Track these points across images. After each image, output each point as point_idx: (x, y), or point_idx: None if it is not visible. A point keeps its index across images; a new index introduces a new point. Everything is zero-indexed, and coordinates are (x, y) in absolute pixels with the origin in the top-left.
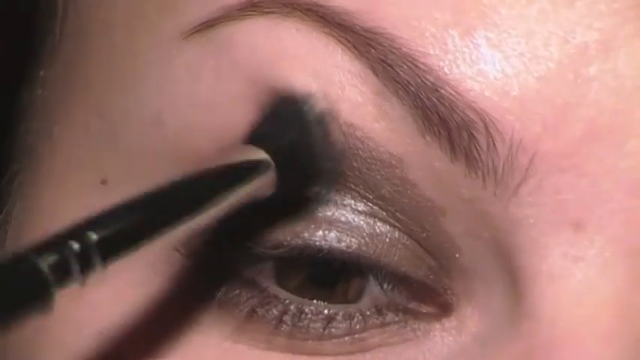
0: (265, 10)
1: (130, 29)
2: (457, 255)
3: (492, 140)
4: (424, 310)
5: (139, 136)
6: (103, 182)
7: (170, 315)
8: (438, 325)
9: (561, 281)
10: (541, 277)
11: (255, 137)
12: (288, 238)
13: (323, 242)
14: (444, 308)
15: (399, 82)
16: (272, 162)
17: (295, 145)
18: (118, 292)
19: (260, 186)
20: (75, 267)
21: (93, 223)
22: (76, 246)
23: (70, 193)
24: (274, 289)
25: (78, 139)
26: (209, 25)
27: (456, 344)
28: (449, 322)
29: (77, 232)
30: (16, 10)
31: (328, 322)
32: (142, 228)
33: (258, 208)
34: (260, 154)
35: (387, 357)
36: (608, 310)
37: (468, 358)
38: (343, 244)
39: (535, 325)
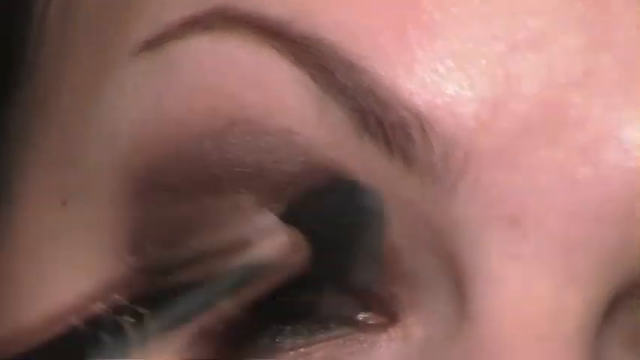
0: (208, 26)
1: (89, 50)
2: (399, 258)
3: (428, 138)
4: (371, 322)
5: (95, 153)
6: (63, 203)
7: None
8: (384, 336)
9: (499, 282)
10: (480, 277)
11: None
12: None
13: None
14: (390, 317)
15: (336, 86)
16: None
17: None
18: None
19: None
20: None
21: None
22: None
23: (33, 216)
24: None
25: (44, 162)
26: (156, 43)
27: (402, 353)
28: (394, 332)
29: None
30: None
31: (275, 337)
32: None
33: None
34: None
35: None
36: (543, 310)
37: None
38: None
39: (475, 327)
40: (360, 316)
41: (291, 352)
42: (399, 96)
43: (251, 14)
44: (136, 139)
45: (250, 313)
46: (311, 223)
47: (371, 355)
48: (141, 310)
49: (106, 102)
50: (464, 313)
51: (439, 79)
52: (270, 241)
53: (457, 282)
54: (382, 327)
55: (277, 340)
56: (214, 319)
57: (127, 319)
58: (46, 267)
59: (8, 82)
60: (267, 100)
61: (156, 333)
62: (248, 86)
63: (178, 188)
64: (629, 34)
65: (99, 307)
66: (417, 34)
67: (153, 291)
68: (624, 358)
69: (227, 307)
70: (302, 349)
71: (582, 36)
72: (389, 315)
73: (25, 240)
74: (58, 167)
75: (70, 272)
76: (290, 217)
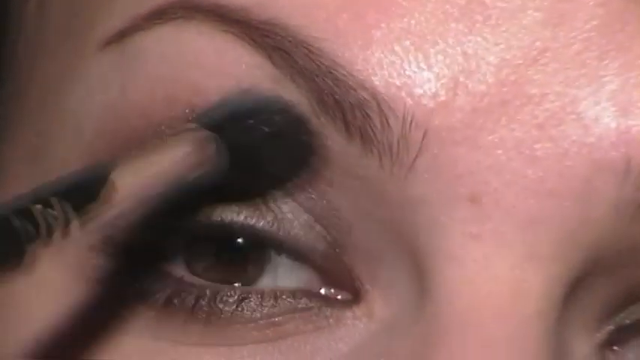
0: (171, 16)
1: (59, 46)
2: (350, 231)
3: (386, 118)
4: (337, 297)
5: (62, 147)
6: None
7: (94, 317)
8: (349, 313)
9: (459, 260)
10: (440, 257)
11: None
12: (190, 213)
13: (223, 216)
14: (354, 294)
15: (294, 68)
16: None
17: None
18: (43, 296)
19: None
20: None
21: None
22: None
23: None
24: (189, 277)
25: (18, 157)
26: (121, 35)
27: (366, 331)
28: (359, 309)
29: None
30: None
31: (241, 302)
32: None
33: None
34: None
35: (300, 346)
36: (503, 288)
37: (377, 346)
38: (241, 216)
39: (435, 307)
40: (324, 290)
41: (261, 321)
42: (357, 77)
43: (209, 3)
44: (101, 129)
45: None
46: (223, 125)
47: (337, 332)
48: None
49: (73, 96)
50: (424, 293)
51: (397, 59)
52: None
53: (417, 261)
54: (347, 304)
55: (244, 306)
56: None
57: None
58: None
59: None
60: (225, 85)
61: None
62: (207, 74)
63: None
64: (587, 11)
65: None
66: (374, 14)
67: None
68: (586, 340)
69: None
70: (272, 319)
71: (540, 12)
72: (351, 291)
73: None
74: (30, 162)
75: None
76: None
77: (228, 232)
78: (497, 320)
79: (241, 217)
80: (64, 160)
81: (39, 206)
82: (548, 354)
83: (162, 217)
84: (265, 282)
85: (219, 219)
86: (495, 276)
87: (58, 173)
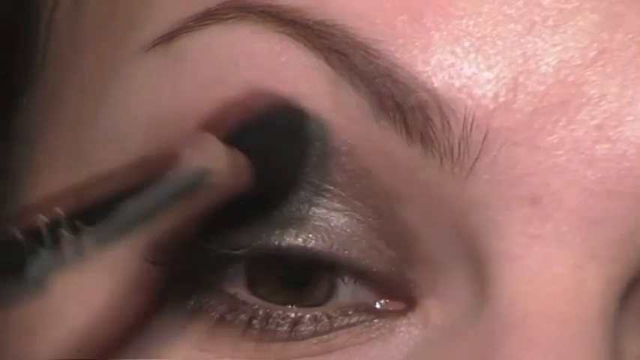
0: (222, 17)
1: (97, 50)
2: (416, 243)
3: (447, 120)
4: (390, 308)
5: (103, 153)
6: None
7: (139, 325)
8: (404, 321)
9: (519, 261)
10: (500, 258)
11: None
12: (248, 241)
13: (281, 239)
14: (409, 302)
15: (353, 71)
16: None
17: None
18: (86, 301)
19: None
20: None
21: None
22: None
23: None
24: (244, 295)
25: (55, 164)
26: (168, 38)
27: (422, 337)
28: (414, 316)
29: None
30: None
31: (295, 325)
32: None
33: (218, 211)
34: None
35: (351, 357)
36: (564, 288)
37: (434, 351)
38: (300, 239)
39: (495, 308)
40: (378, 304)
41: (313, 339)
42: (417, 78)
43: (261, 3)
44: (149, 135)
45: (262, 299)
46: (253, 146)
47: (390, 340)
48: (78, 223)
49: (114, 100)
50: (484, 296)
51: (456, 60)
52: (206, 156)
53: (476, 264)
54: (402, 313)
55: (297, 329)
56: (162, 229)
57: (65, 232)
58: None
59: (17, 88)
60: (281, 87)
61: (93, 246)
62: (261, 75)
63: None
64: None
65: (38, 219)
66: (433, 15)
67: (91, 204)
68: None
69: (169, 217)
70: (324, 336)
71: (596, 14)
72: (408, 300)
73: None
74: (70, 169)
75: (85, 278)
76: (232, 140)
77: (286, 256)
78: (558, 321)
79: (299, 241)
80: (107, 163)
81: (44, 218)
82: (607, 354)
83: (218, 242)
84: (323, 300)
85: (277, 243)
86: (556, 276)
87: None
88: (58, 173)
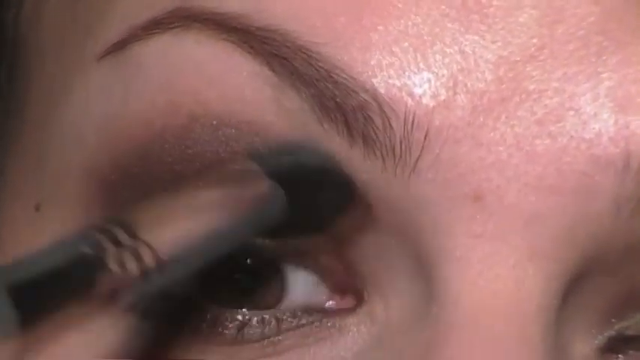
0: (168, 26)
1: (56, 55)
2: (362, 243)
3: (387, 119)
4: (340, 307)
5: (63, 156)
6: (37, 208)
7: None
8: (351, 319)
9: (462, 261)
10: (444, 257)
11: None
12: None
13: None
14: (357, 299)
15: (294, 74)
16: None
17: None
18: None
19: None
20: None
21: None
22: None
23: (10, 223)
24: (195, 296)
25: (19, 168)
26: (120, 46)
27: (369, 335)
28: (361, 314)
29: None
30: None
31: (242, 328)
32: None
33: None
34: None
35: (301, 358)
36: (505, 287)
37: (381, 350)
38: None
39: (440, 309)
40: (328, 304)
41: (262, 342)
42: (357, 79)
43: (206, 11)
44: (102, 139)
45: (214, 302)
46: (285, 176)
47: (339, 340)
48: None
49: (73, 105)
50: (430, 295)
51: (396, 60)
52: (252, 190)
53: (422, 263)
54: (349, 310)
55: (245, 331)
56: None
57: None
58: None
59: None
60: (226, 93)
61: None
62: (207, 81)
63: (142, 187)
64: (584, 8)
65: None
66: (371, 17)
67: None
68: (587, 341)
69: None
70: (272, 339)
71: (536, 10)
72: (355, 295)
73: (4, 246)
74: (31, 173)
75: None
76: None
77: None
78: (500, 319)
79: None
80: (65, 171)
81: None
82: (548, 350)
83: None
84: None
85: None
86: (497, 276)
87: (61, 183)
88: (19, 178)
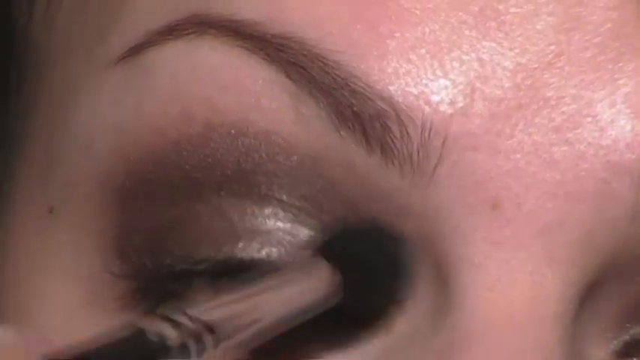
0: (183, 32)
1: (66, 61)
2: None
3: (405, 127)
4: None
5: (73, 162)
6: (50, 211)
7: None
8: (368, 330)
9: (480, 268)
10: (462, 265)
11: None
12: (212, 254)
13: (244, 254)
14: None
15: (311, 83)
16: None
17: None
18: None
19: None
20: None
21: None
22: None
23: (23, 227)
24: None
25: (31, 172)
26: (134, 51)
27: (384, 346)
28: (378, 325)
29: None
30: None
31: None
32: None
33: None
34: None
35: None
36: (522, 294)
37: (397, 357)
38: (264, 252)
39: (457, 317)
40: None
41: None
42: (374, 87)
43: (222, 18)
44: (114, 146)
45: None
46: (342, 259)
47: (353, 354)
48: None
49: (83, 112)
50: (447, 303)
51: (413, 68)
52: (313, 276)
53: (441, 271)
54: (363, 321)
55: None
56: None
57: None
58: (37, 280)
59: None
60: (243, 102)
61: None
62: (223, 89)
63: (159, 194)
64: (600, 15)
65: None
66: (388, 24)
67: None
68: (602, 346)
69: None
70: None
71: (553, 17)
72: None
73: (17, 251)
74: (44, 177)
75: (58, 281)
76: (324, 251)
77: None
78: (517, 325)
79: (263, 254)
80: (74, 178)
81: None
82: (565, 356)
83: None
84: None
85: (240, 257)
86: (515, 282)
87: (73, 187)
88: (32, 182)
